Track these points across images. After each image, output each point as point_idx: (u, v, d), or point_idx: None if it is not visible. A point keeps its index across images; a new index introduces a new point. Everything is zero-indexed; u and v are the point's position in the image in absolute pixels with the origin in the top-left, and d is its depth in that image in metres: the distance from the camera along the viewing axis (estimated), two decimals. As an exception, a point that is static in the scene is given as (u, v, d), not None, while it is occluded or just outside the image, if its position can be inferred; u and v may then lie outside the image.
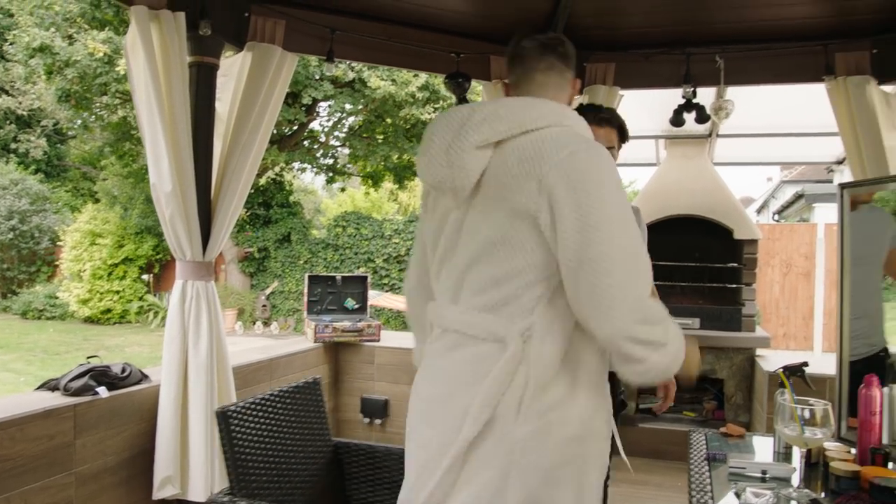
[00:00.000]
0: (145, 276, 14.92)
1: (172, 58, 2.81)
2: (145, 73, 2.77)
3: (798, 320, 10.65)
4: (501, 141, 1.49)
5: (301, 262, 13.83)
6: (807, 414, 1.69)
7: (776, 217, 18.28)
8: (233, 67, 3.27)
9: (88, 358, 2.92)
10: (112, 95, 12.14)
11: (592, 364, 1.51)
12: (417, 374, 1.67)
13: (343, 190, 18.70)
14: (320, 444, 2.10)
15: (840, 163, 6.10)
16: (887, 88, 3.65)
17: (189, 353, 2.99)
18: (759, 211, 22.38)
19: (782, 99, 4.66)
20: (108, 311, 14.33)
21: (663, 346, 1.42)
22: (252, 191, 14.33)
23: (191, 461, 2.94)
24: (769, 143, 5.97)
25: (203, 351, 2.99)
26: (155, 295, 14.73)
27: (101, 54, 11.47)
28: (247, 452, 1.74)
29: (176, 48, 2.82)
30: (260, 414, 1.84)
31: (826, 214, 12.24)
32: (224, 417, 1.71)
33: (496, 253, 1.48)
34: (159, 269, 15.21)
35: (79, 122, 14.81)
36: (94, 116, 13.71)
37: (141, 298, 14.58)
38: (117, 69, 11.45)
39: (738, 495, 1.66)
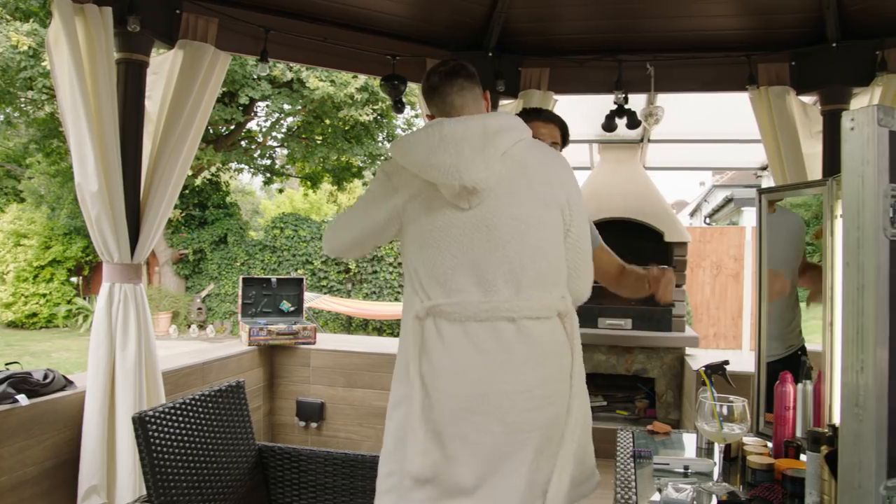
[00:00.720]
0: (74, 279, 14.39)
1: (99, 54, 2.73)
2: (69, 69, 2.68)
3: (728, 320, 11.02)
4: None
5: (238, 263, 13.56)
6: (725, 410, 1.76)
7: (708, 220, 18.88)
8: (163, 65, 3.20)
9: (7, 364, 2.81)
10: (38, 90, 11.66)
11: None
12: (459, 372, 1.72)
13: (281, 191, 18.45)
14: (244, 448, 2.07)
15: (765, 168, 6.35)
16: (805, 99, 3.83)
17: (116, 358, 2.91)
18: (692, 214, 23.09)
19: (712, 106, 4.82)
20: (34, 315, 13.76)
21: None
22: (187, 191, 14.02)
23: (118, 469, 2.85)
24: (699, 149, 6.17)
25: (131, 355, 2.91)
26: (85, 298, 14.21)
27: (25, 47, 11.01)
28: (166, 458, 1.70)
29: (102, 44, 2.74)
30: (181, 419, 1.80)
31: (754, 218, 12.71)
32: (142, 423, 1.66)
33: (546, 239, 1.78)
34: (89, 272, 14.69)
35: (1, 117, 14.18)
36: (18, 112, 13.15)
37: (69, 302, 14.05)
38: (43, 63, 11.01)
39: (660, 491, 1.71)
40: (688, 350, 4.95)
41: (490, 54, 3.90)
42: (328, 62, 3.87)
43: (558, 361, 1.76)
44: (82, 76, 2.71)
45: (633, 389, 5.15)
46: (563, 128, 2.53)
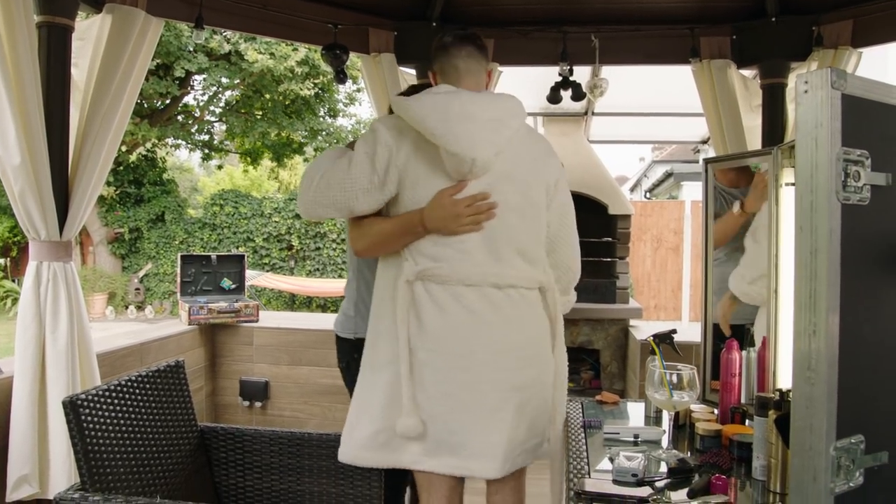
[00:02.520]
0: (1, 261, 13.77)
1: (16, 16, 2.53)
2: (-17, 33, 2.49)
3: (668, 292, 11.28)
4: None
5: (176, 242, 13.18)
6: (675, 379, 1.77)
7: (648, 195, 19.24)
8: (90, 30, 3.02)
9: (-74, 349, 2.64)
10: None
11: None
12: (454, 328, 1.82)
13: (220, 167, 17.98)
14: (185, 430, 1.99)
15: (705, 142, 6.46)
16: (745, 72, 3.88)
17: (46, 341, 2.76)
18: (632, 189, 23.49)
19: (653, 80, 4.85)
20: (-42, 298, 13.16)
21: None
22: (122, 168, 13.51)
23: (51, 457, 2.72)
24: (640, 123, 6.23)
25: (62, 338, 2.77)
26: (13, 280, 13.63)
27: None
28: (101, 444, 1.60)
29: (19, 5, 2.54)
30: (116, 402, 1.70)
31: (693, 192, 13.00)
32: (73, 407, 1.57)
33: (532, 217, 1.90)
34: (17, 253, 14.08)
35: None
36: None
37: (-4, 284, 13.47)
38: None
39: (611, 460, 1.71)
40: (631, 321, 5.02)
41: (434, 24, 3.82)
42: (267, 30, 3.72)
43: (538, 329, 1.90)
44: (-2, 40, 2.52)
45: (579, 361, 5.21)
46: None
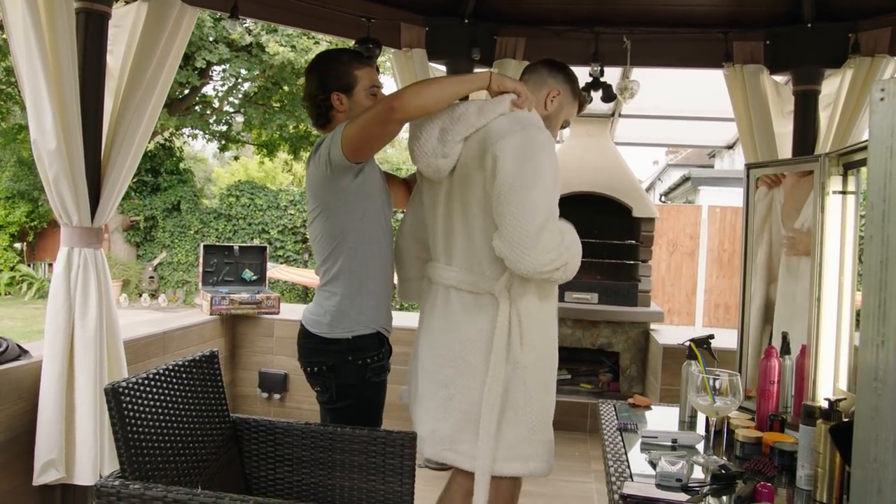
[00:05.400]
0: (18, 245, 13.85)
1: (56, 1, 2.54)
2: (24, 18, 2.49)
3: (682, 297, 11.20)
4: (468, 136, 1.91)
5: (192, 231, 13.22)
6: (717, 384, 1.75)
7: (663, 198, 19.14)
8: (126, 18, 3.02)
9: (-43, 331, 2.65)
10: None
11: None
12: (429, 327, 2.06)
13: (236, 158, 18.02)
14: (218, 420, 1.98)
15: (731, 147, 6.41)
16: (778, 78, 3.85)
17: (76, 326, 2.76)
18: (646, 192, 23.38)
19: (676, 83, 4.81)
20: (-26, 281, 13.23)
21: (565, 264, 1.80)
22: (139, 156, 13.57)
23: (77, 443, 2.73)
24: (660, 125, 6.18)
25: (91, 323, 2.77)
26: (29, 265, 13.71)
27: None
28: (139, 432, 1.60)
29: (61, -9, 2.55)
30: (154, 390, 1.70)
31: (709, 197, 12.89)
32: (115, 394, 1.56)
33: (476, 222, 1.88)
34: (34, 237, 14.16)
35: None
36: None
37: (13, 268, 13.53)
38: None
39: (653, 464, 1.69)
40: (652, 325, 5.00)
41: (466, 21, 3.80)
42: (301, 22, 3.72)
43: (471, 334, 1.91)
44: (38, 25, 2.52)
45: (597, 363, 5.18)
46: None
